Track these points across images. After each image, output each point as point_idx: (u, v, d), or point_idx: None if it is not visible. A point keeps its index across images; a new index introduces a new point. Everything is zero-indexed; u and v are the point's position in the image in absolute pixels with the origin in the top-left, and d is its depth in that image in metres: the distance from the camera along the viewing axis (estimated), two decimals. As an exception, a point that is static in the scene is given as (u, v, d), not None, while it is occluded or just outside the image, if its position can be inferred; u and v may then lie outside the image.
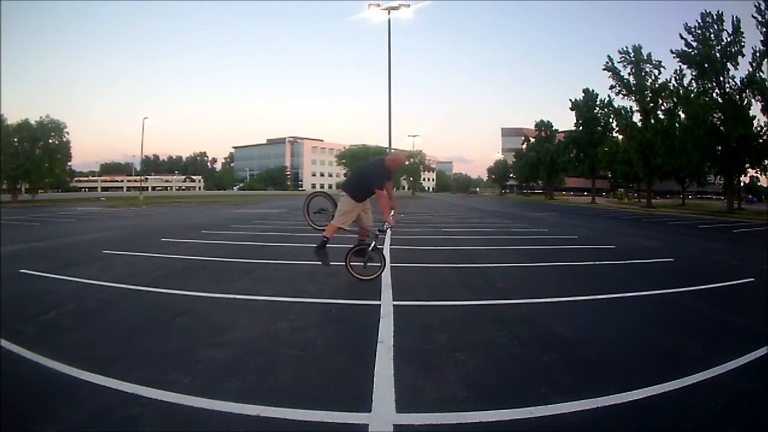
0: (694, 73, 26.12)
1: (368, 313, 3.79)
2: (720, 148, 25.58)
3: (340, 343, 3.13)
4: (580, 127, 45.59)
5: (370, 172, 4.80)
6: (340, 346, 3.06)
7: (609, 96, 41.80)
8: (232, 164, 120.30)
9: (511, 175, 72.55)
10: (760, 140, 24.50)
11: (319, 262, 4.86)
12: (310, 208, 5.28)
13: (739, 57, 24.80)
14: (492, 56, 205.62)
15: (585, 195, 63.06)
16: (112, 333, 3.29)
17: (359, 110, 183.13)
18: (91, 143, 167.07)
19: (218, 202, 31.69)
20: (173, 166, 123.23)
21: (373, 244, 4.83)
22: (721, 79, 25.22)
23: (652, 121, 30.93)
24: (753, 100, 24.69)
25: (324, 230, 4.86)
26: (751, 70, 24.33)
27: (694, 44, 25.83)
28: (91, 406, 2.19)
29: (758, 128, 24.76)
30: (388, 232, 4.78)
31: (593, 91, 44.79)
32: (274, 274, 5.53)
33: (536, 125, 57.61)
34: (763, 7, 22.95)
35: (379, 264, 4.88)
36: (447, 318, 3.76)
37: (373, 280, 4.80)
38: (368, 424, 2.03)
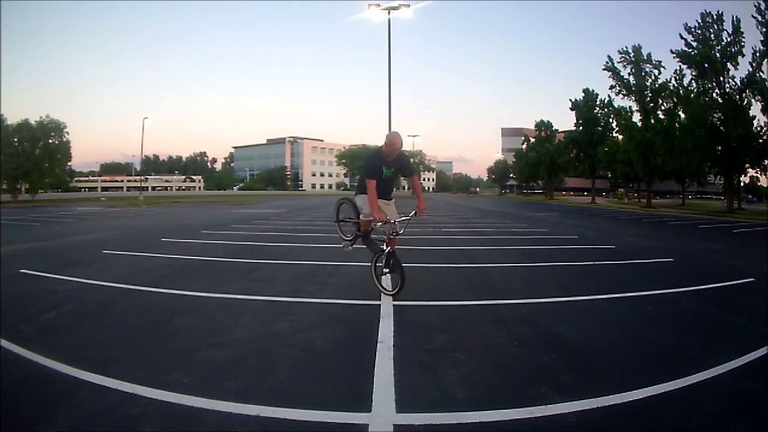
0: (694, 73, 26.14)
1: (368, 313, 3.79)
2: (720, 148, 25.59)
3: (340, 343, 3.13)
4: (580, 127, 45.64)
5: (364, 163, 4.39)
6: (340, 346, 3.05)
7: (609, 96, 41.91)
8: (232, 164, 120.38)
9: (511, 175, 72.49)
10: (760, 140, 24.50)
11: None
12: (339, 215, 4.87)
13: (739, 57, 24.81)
14: (492, 56, 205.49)
15: (585, 195, 63.03)
16: (112, 333, 3.29)
17: (359, 110, 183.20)
18: (91, 143, 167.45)
19: (218, 202, 31.69)
20: (173, 166, 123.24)
21: (389, 250, 4.21)
22: (721, 79, 25.23)
23: (652, 121, 30.97)
24: (753, 100, 24.72)
25: (349, 239, 4.68)
26: (751, 70, 24.36)
27: (694, 44, 25.84)
28: (91, 406, 2.19)
29: (758, 128, 24.78)
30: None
31: (593, 91, 44.92)
32: (274, 274, 5.52)
33: (536, 125, 57.58)
34: (763, 7, 22.97)
35: (397, 273, 4.19)
36: (447, 318, 3.76)
37: (394, 295, 4.18)
38: (368, 424, 2.03)
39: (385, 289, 4.33)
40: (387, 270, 4.30)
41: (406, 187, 69.10)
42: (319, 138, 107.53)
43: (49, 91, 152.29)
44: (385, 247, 4.26)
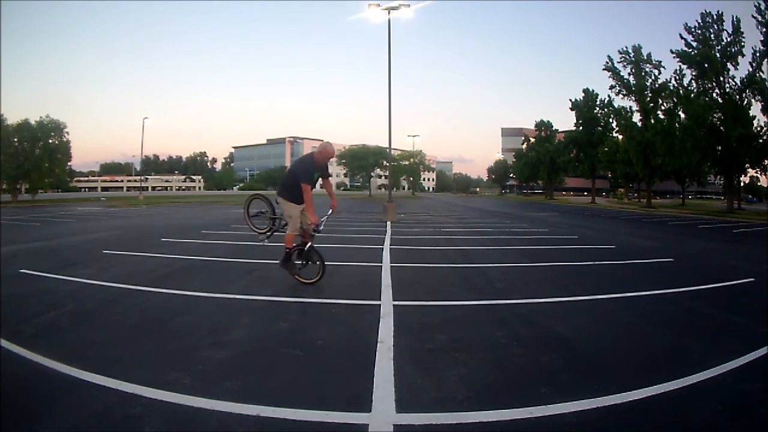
0: (694, 73, 26.09)
1: (368, 313, 3.79)
2: (720, 148, 25.55)
3: (340, 343, 3.13)
4: (580, 127, 45.57)
5: (296, 168, 4.71)
6: (340, 346, 3.05)
7: (609, 96, 41.89)
8: (232, 164, 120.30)
9: (511, 175, 72.46)
10: (760, 140, 24.47)
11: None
12: (250, 211, 5.31)
13: (739, 57, 24.77)
14: (492, 56, 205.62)
15: (585, 195, 63.01)
16: (112, 333, 3.29)
17: (359, 110, 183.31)
18: (91, 143, 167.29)
19: (218, 202, 31.67)
20: (173, 166, 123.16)
21: (309, 244, 4.73)
22: (721, 79, 25.19)
23: (652, 121, 30.96)
24: (753, 100, 24.67)
25: (264, 231, 5.16)
26: (751, 70, 24.32)
27: (694, 44, 25.81)
28: (91, 406, 2.19)
29: (758, 128, 24.74)
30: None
31: (593, 91, 44.83)
32: (273, 274, 5.51)
33: (536, 125, 57.53)
34: (763, 7, 22.94)
35: (318, 263, 4.72)
36: (447, 318, 3.75)
37: (315, 283, 4.68)
38: (368, 424, 2.03)
39: (306, 279, 4.74)
40: (304, 262, 4.78)
41: (406, 187, 69.40)
42: (319, 138, 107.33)
43: (49, 91, 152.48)
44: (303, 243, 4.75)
